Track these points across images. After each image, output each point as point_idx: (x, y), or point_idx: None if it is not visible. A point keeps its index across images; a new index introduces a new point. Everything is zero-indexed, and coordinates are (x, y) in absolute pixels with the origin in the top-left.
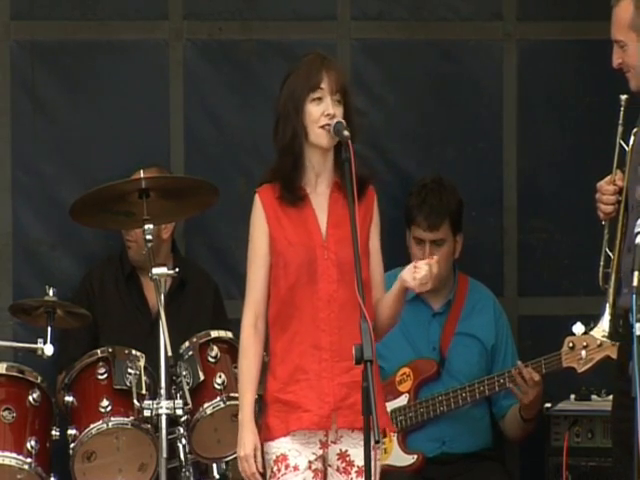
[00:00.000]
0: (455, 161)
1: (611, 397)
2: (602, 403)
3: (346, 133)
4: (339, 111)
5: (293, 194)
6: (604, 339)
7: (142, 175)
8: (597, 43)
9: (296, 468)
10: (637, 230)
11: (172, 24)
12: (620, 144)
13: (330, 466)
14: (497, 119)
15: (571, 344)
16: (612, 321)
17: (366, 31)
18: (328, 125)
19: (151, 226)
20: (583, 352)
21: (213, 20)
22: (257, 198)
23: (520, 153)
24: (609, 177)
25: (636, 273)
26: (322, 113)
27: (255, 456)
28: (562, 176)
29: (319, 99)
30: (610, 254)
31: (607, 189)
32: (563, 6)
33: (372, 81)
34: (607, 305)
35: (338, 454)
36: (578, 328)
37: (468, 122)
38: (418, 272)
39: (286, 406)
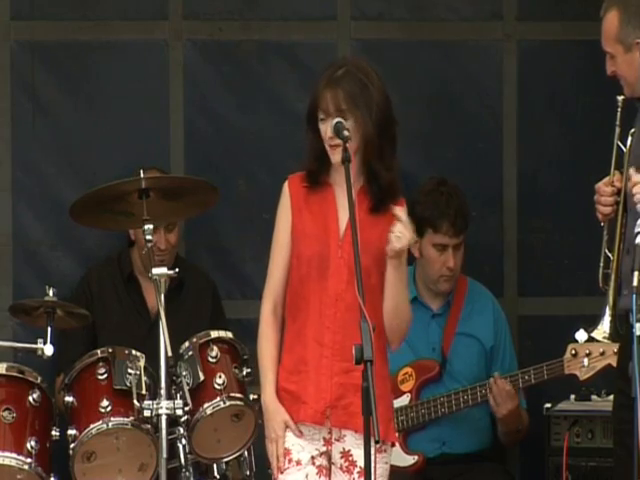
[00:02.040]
0: (455, 161)
1: (611, 397)
2: (602, 403)
3: (346, 133)
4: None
5: (316, 181)
6: (605, 340)
7: (142, 174)
8: (597, 43)
9: (299, 463)
10: (637, 230)
11: (172, 24)
12: (618, 145)
13: (334, 464)
14: (497, 119)
15: (574, 351)
16: (612, 322)
17: (366, 31)
18: (331, 146)
19: (151, 226)
20: (585, 360)
21: (213, 20)
22: (286, 185)
23: (520, 153)
24: (607, 178)
25: (636, 273)
26: (324, 134)
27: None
28: (562, 176)
29: (324, 119)
30: (609, 255)
31: (605, 190)
32: (563, 6)
33: None
34: (607, 306)
35: (341, 452)
36: (581, 335)
37: (468, 122)
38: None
39: (289, 395)
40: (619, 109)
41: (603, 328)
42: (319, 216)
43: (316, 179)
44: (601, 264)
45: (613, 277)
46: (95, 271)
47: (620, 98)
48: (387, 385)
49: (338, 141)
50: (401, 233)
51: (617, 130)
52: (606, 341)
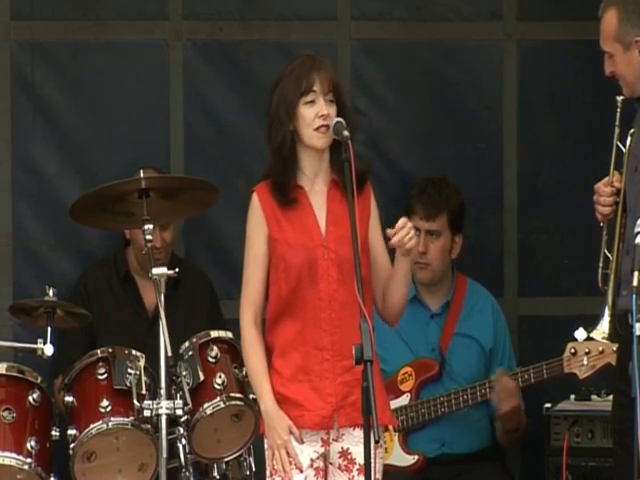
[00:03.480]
0: (455, 161)
1: (611, 397)
2: (602, 403)
3: (346, 133)
4: (332, 110)
5: (284, 196)
6: (604, 340)
7: (142, 174)
8: (597, 43)
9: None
10: (637, 230)
11: (172, 24)
12: (617, 145)
13: (331, 464)
14: (497, 119)
15: (573, 350)
16: (612, 322)
17: (366, 31)
18: (323, 126)
19: (151, 226)
20: (585, 359)
21: (213, 20)
22: (255, 197)
23: (520, 153)
24: (606, 179)
25: (636, 273)
26: (316, 115)
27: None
28: (562, 176)
29: (312, 102)
30: (609, 255)
31: (605, 191)
32: (563, 6)
33: (372, 81)
34: (606, 307)
35: (339, 452)
36: (580, 334)
37: (468, 122)
38: (397, 231)
39: (288, 400)
40: (618, 109)
41: (602, 328)
42: (297, 223)
43: (284, 189)
44: (600, 264)
45: (612, 277)
46: (91, 272)
47: (619, 98)
48: (381, 374)
49: (327, 121)
50: (409, 233)
51: (616, 130)
52: (606, 341)
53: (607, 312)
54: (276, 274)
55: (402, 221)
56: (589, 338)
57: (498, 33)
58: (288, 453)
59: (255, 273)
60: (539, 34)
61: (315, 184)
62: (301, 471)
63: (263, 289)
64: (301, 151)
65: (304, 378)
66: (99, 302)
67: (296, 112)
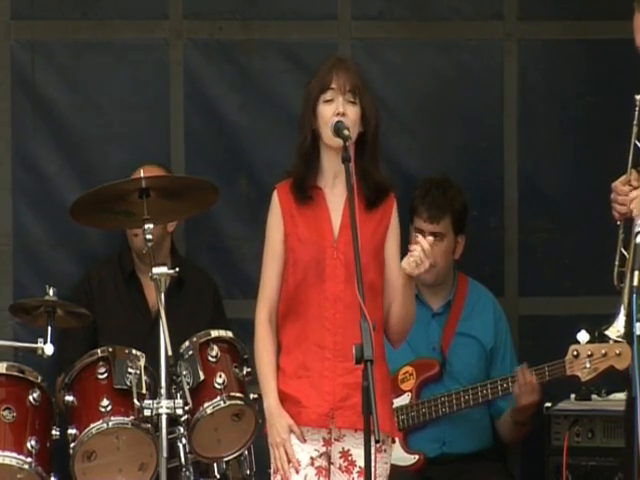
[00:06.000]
0: (455, 161)
1: (611, 397)
2: (602, 403)
3: (346, 133)
4: (352, 110)
5: (302, 193)
6: (619, 339)
7: (142, 174)
8: (597, 43)
9: (298, 464)
10: (637, 230)
11: (172, 23)
12: (635, 144)
13: (333, 464)
14: (497, 119)
15: (575, 352)
16: (627, 321)
17: (367, 31)
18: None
19: (151, 226)
20: (587, 361)
21: (213, 19)
22: (275, 194)
23: (520, 153)
24: (624, 177)
25: (637, 273)
26: (333, 113)
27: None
28: (562, 176)
29: (330, 100)
30: (625, 253)
31: (622, 189)
32: (564, 6)
33: (372, 81)
34: (622, 305)
35: (340, 452)
36: (583, 336)
37: (468, 122)
38: (411, 254)
39: (288, 398)
40: (637, 108)
41: (617, 327)
42: (312, 220)
43: (304, 186)
44: (616, 262)
45: (629, 276)
46: (96, 270)
47: (639, 97)
48: (389, 381)
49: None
50: (421, 260)
51: (634, 129)
52: (620, 340)
53: (623, 311)
54: (287, 269)
55: (416, 247)
56: (600, 337)
57: (499, 33)
58: (286, 452)
59: (272, 270)
60: (539, 34)
61: (335, 186)
62: (297, 472)
63: (279, 285)
64: (323, 151)
65: (304, 374)
66: (103, 300)
67: (316, 110)
